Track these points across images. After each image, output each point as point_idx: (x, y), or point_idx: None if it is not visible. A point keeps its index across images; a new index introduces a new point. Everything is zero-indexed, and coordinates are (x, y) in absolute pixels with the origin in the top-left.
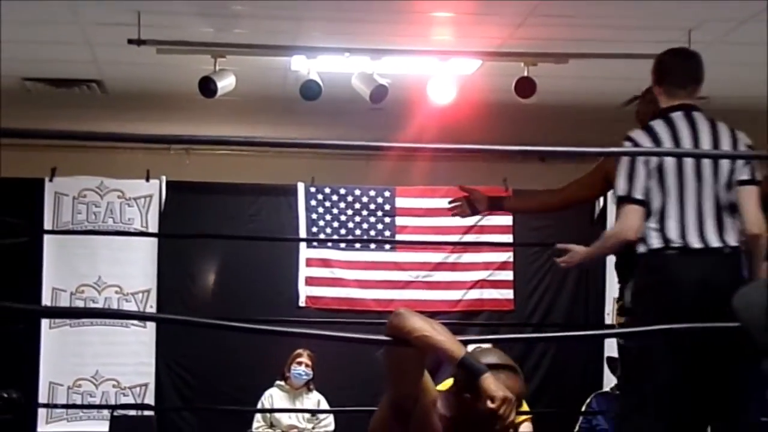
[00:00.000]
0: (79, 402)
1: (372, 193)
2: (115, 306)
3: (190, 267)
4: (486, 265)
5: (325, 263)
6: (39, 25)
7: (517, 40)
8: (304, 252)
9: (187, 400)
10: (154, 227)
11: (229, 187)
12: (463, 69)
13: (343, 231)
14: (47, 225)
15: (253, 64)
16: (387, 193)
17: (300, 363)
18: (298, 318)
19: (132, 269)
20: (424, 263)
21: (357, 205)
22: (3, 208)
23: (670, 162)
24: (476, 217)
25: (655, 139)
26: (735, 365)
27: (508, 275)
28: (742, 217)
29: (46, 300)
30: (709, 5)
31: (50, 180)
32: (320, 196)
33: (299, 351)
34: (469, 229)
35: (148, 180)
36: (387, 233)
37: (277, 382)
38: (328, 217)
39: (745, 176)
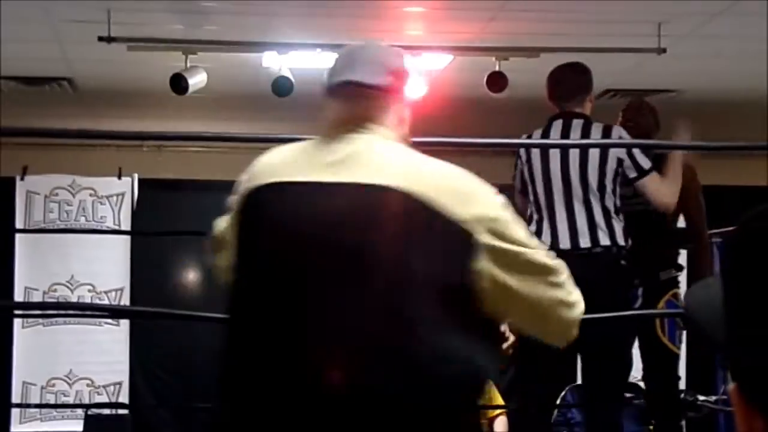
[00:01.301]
0: (52, 401)
1: None
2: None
3: (163, 265)
4: None
5: None
6: (9, 23)
7: (488, 34)
8: None
9: (161, 398)
10: (126, 225)
11: (202, 184)
12: (434, 64)
13: None
14: (19, 224)
15: (224, 61)
16: None
17: None
18: None
19: (105, 267)
20: None
21: None
22: None
23: (537, 170)
24: None
25: (527, 150)
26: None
27: None
28: (654, 204)
29: (18, 299)
30: None
31: (21, 179)
32: None
33: None
34: None
35: (120, 178)
36: None
37: None
38: None
39: (633, 174)
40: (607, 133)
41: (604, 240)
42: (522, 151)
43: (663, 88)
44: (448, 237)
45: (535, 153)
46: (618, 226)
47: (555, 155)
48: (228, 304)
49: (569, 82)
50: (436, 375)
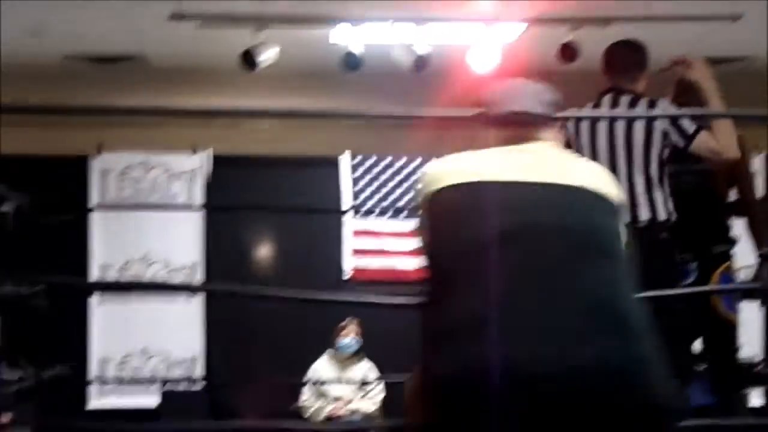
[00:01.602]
0: (128, 377)
1: (416, 162)
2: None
3: (236, 240)
4: None
5: (371, 234)
6: (80, 1)
7: (561, 4)
8: (350, 223)
9: (236, 373)
10: (199, 202)
11: (273, 159)
12: (506, 36)
13: (387, 201)
14: (93, 201)
15: (293, 37)
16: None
17: (348, 333)
18: (343, 290)
19: (179, 244)
20: None
21: (401, 175)
22: (50, 185)
23: (585, 144)
24: None
25: (576, 122)
26: None
27: None
28: (716, 162)
29: (94, 276)
30: None
31: (96, 157)
32: (364, 167)
33: (342, 323)
34: None
35: (194, 153)
36: None
37: (326, 353)
38: (372, 187)
39: (682, 142)
40: (651, 107)
41: (645, 215)
42: (570, 124)
43: (734, 56)
44: (614, 216)
45: (584, 127)
46: (660, 197)
47: (602, 130)
48: (440, 283)
49: (623, 59)
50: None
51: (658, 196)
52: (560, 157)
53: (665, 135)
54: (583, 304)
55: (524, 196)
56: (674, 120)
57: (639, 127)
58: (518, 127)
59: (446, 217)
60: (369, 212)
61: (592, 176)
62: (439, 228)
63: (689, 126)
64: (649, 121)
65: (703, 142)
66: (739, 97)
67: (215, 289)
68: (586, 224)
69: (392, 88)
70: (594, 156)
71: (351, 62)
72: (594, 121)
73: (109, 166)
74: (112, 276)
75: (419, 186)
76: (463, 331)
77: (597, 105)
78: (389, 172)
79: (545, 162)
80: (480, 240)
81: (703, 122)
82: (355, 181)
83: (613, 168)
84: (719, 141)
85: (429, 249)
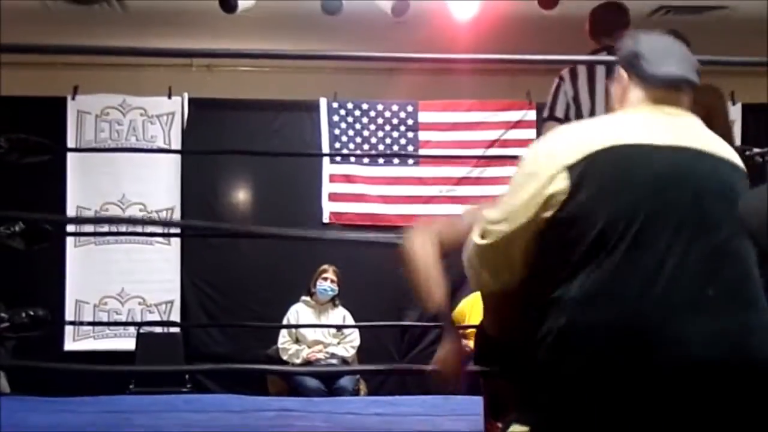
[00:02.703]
0: (105, 320)
1: (395, 107)
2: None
3: (213, 184)
4: (510, 179)
5: (349, 179)
6: None
7: None
8: (328, 168)
9: (212, 317)
10: (177, 144)
11: (252, 103)
12: None
13: (366, 146)
14: (70, 143)
15: None
16: (410, 108)
17: (325, 279)
18: (322, 233)
19: (155, 187)
20: (448, 178)
21: (380, 120)
22: (26, 126)
23: (584, 96)
24: (499, 131)
25: (573, 74)
26: None
27: None
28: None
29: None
30: None
31: (72, 98)
32: (343, 111)
33: (324, 266)
34: (492, 143)
35: (170, 97)
36: (410, 148)
37: (303, 298)
38: (350, 132)
39: None
40: None
41: None
42: (567, 79)
43: (715, 5)
44: (744, 184)
45: (582, 81)
46: None
47: (601, 82)
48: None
49: (609, 20)
50: None
51: None
52: (704, 128)
53: None
54: (738, 283)
55: (689, 163)
56: None
57: None
58: (671, 90)
59: (627, 175)
60: (347, 157)
61: (729, 149)
62: (621, 186)
63: None
64: None
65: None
66: (719, 45)
67: (195, 225)
68: (733, 196)
69: (372, 33)
70: (592, 111)
71: (331, 6)
72: (591, 78)
73: (86, 107)
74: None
75: (565, 140)
76: (630, 291)
77: (591, 65)
78: (367, 117)
79: (700, 131)
80: (651, 203)
81: None
82: (334, 126)
83: None
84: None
85: (574, 213)
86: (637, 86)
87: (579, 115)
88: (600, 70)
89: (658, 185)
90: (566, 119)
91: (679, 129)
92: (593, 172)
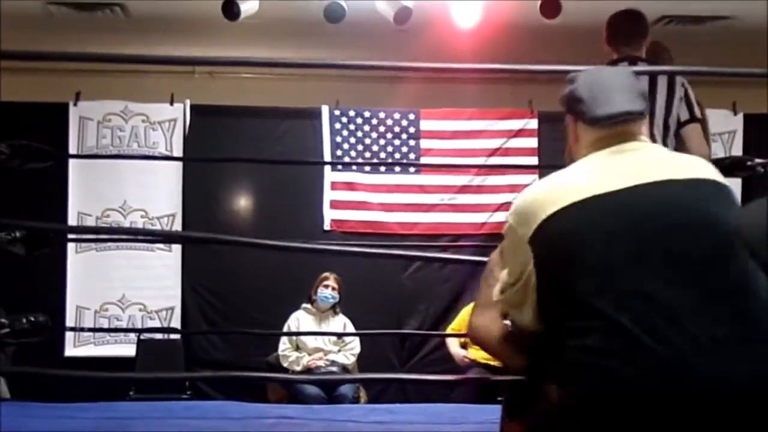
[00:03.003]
0: (106, 326)
1: (396, 115)
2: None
3: (214, 191)
4: (511, 188)
5: (350, 186)
6: None
7: None
8: (329, 175)
9: (213, 324)
10: (178, 151)
11: (253, 110)
12: None
13: (367, 154)
14: (72, 149)
15: None
16: (411, 116)
17: (326, 286)
18: (323, 241)
19: (157, 193)
20: (449, 186)
21: (381, 128)
22: (28, 132)
23: None
24: (501, 140)
25: None
26: None
27: None
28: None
29: (71, 224)
30: None
31: (75, 104)
32: (344, 119)
33: (326, 274)
34: (494, 152)
35: (172, 104)
36: (412, 156)
37: (304, 305)
38: (352, 140)
39: (686, 116)
40: (671, 78)
41: None
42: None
43: (718, 15)
44: (734, 201)
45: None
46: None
47: None
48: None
49: (629, 29)
50: None
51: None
52: (664, 153)
53: (680, 101)
54: (739, 304)
55: (660, 198)
56: (687, 95)
57: (661, 93)
58: (621, 125)
59: (578, 237)
60: (349, 165)
61: (701, 167)
62: (575, 247)
63: (695, 110)
64: (671, 88)
65: (695, 130)
66: (721, 55)
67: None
68: (719, 215)
69: (374, 40)
70: None
71: (334, 13)
72: None
73: (88, 114)
74: (90, 224)
75: (521, 212)
76: (632, 345)
77: None
78: (369, 125)
79: (657, 159)
80: (631, 249)
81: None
82: (335, 133)
83: None
84: (703, 141)
85: (557, 272)
86: (585, 131)
87: None
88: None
89: (641, 227)
90: None
91: (640, 164)
92: (570, 227)
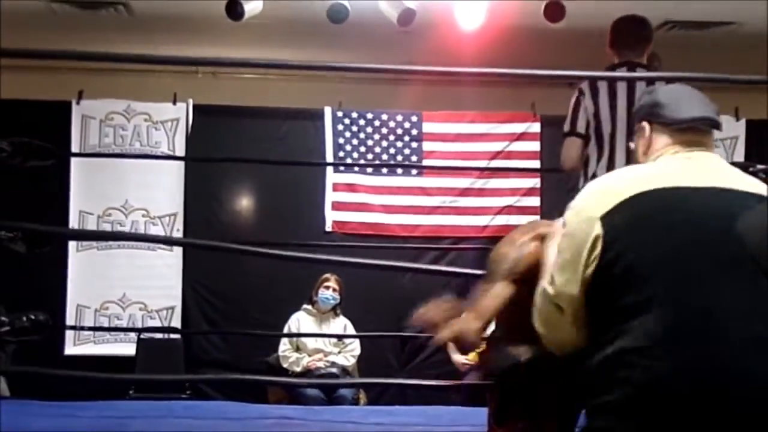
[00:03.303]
0: (106, 325)
1: (399, 117)
2: (141, 229)
3: (216, 191)
4: (513, 191)
5: (352, 188)
6: None
7: None
8: (331, 177)
9: (213, 324)
10: (181, 151)
11: (256, 110)
12: None
13: (369, 155)
14: (74, 148)
15: None
16: (414, 118)
17: (327, 287)
18: (324, 242)
19: (159, 193)
20: (451, 188)
21: (384, 130)
22: (30, 130)
23: (605, 112)
24: (504, 143)
25: (594, 89)
26: None
27: (535, 201)
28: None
29: (73, 223)
30: None
31: (77, 103)
32: (347, 121)
33: (326, 275)
34: (496, 155)
35: (175, 103)
36: (414, 158)
37: (304, 306)
38: (354, 141)
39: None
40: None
41: None
42: (587, 93)
43: (721, 21)
44: None
45: (603, 97)
46: None
47: (622, 98)
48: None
49: (633, 34)
50: None
51: None
52: (726, 165)
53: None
54: None
55: (723, 203)
56: None
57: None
58: (695, 133)
59: (641, 223)
60: (351, 166)
61: (757, 183)
62: (638, 235)
63: None
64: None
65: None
66: (724, 61)
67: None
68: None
69: (377, 41)
70: (613, 127)
71: (337, 14)
72: (613, 94)
73: (90, 112)
74: (91, 222)
75: (595, 192)
76: (684, 335)
77: (612, 80)
78: (372, 127)
79: (721, 169)
80: (687, 240)
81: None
82: (338, 135)
83: (630, 135)
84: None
85: (616, 259)
86: (662, 134)
87: (599, 132)
88: (621, 86)
89: (698, 226)
90: (587, 135)
91: (709, 170)
92: (628, 218)
